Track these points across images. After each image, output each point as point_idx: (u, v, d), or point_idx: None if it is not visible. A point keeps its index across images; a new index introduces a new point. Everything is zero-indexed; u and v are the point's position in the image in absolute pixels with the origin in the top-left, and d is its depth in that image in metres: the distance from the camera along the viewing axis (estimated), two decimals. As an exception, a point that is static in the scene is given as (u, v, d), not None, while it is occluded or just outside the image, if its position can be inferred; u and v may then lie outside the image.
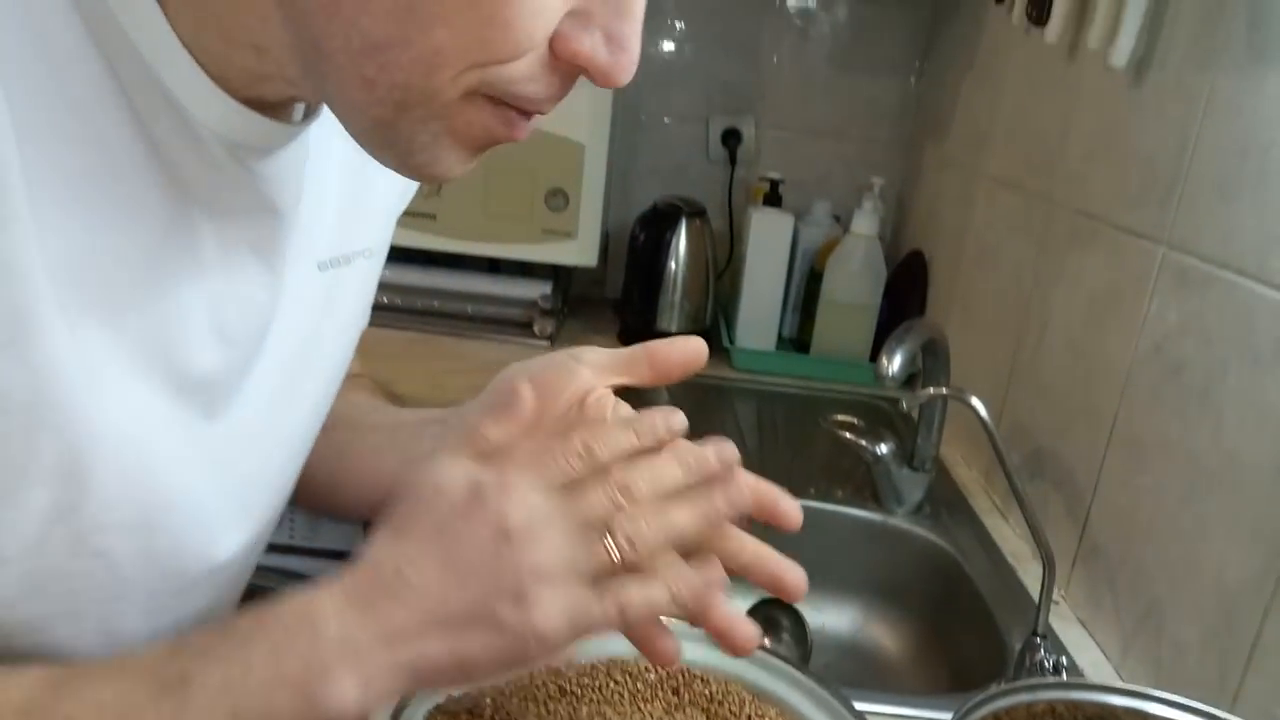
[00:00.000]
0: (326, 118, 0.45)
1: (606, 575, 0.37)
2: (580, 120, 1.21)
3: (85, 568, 0.39)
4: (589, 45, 0.34)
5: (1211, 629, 0.63)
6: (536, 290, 1.30)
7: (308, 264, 0.48)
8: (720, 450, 0.41)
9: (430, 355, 1.22)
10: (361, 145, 0.37)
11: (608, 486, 0.38)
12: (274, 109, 0.39)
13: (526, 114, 0.36)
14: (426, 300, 1.29)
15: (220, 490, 0.45)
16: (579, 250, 1.26)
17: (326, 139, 0.46)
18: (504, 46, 0.32)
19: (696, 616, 0.41)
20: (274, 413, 0.48)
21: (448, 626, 0.36)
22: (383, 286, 0.57)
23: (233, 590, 0.52)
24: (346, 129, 0.37)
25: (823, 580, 0.94)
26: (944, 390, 0.83)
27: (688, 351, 0.46)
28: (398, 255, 1.28)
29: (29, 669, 0.35)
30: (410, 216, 1.23)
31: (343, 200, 0.50)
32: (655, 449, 0.40)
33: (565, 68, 0.35)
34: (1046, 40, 0.89)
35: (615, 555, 0.37)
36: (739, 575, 0.42)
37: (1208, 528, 0.64)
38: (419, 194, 1.32)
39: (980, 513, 0.96)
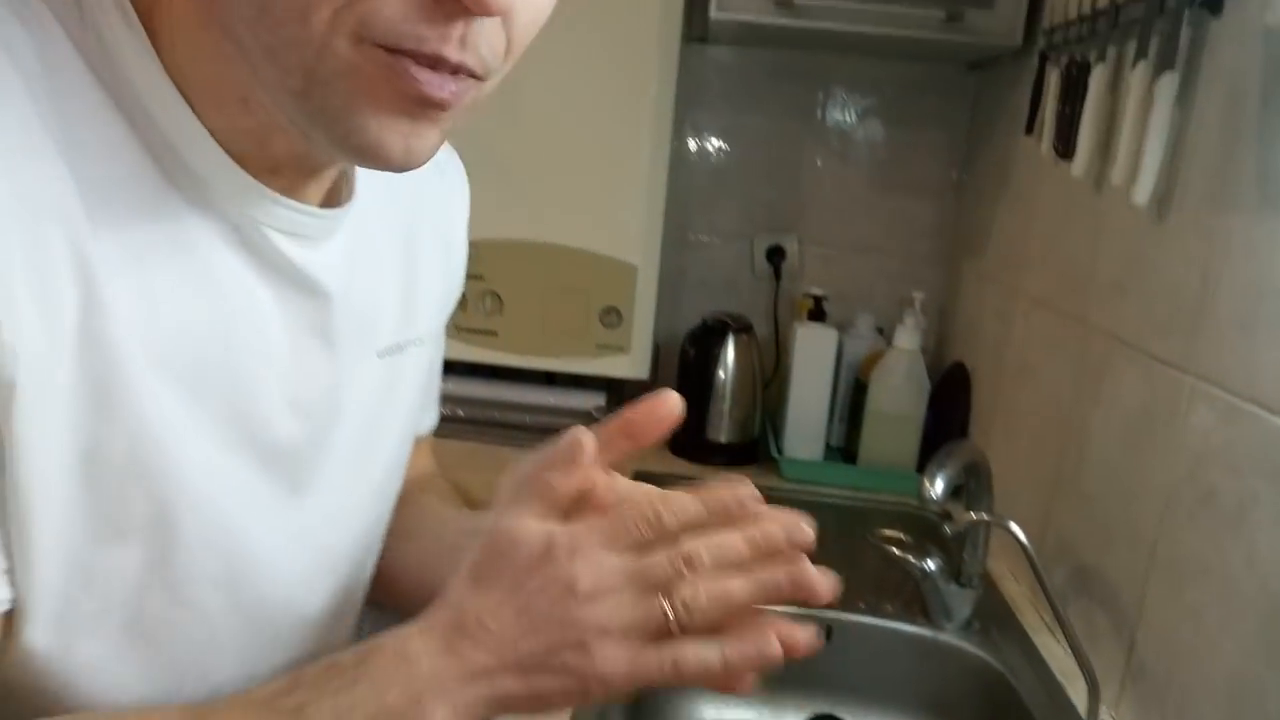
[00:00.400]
0: (373, 211, 0.50)
1: (665, 634, 0.41)
2: (632, 243, 1.29)
3: (180, 617, 0.44)
4: None
5: (1257, 756, 0.64)
6: (591, 401, 1.36)
7: (367, 350, 0.52)
8: (791, 529, 0.43)
9: (490, 466, 1.27)
10: (304, 131, 0.39)
11: (672, 553, 0.41)
12: (300, 188, 0.44)
13: (434, 68, 0.36)
14: (488, 412, 1.36)
15: (302, 554, 0.50)
16: (631, 364, 1.33)
17: (376, 235, 0.51)
18: None
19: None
20: (344, 490, 0.53)
21: (522, 668, 0.41)
22: (448, 399, 0.62)
23: (326, 643, 0.55)
24: (290, 122, 0.39)
25: (873, 695, 0.96)
26: (985, 516, 0.86)
27: (659, 410, 0.46)
28: (462, 369, 1.37)
29: (169, 706, 0.41)
30: (473, 334, 1.32)
31: (401, 290, 0.55)
32: (727, 520, 0.43)
33: (446, 5, 0.35)
34: (1073, 174, 0.95)
35: (671, 617, 0.41)
36: None
37: (1247, 653, 0.66)
38: (482, 311, 1.40)
39: (1029, 629, 0.97)
